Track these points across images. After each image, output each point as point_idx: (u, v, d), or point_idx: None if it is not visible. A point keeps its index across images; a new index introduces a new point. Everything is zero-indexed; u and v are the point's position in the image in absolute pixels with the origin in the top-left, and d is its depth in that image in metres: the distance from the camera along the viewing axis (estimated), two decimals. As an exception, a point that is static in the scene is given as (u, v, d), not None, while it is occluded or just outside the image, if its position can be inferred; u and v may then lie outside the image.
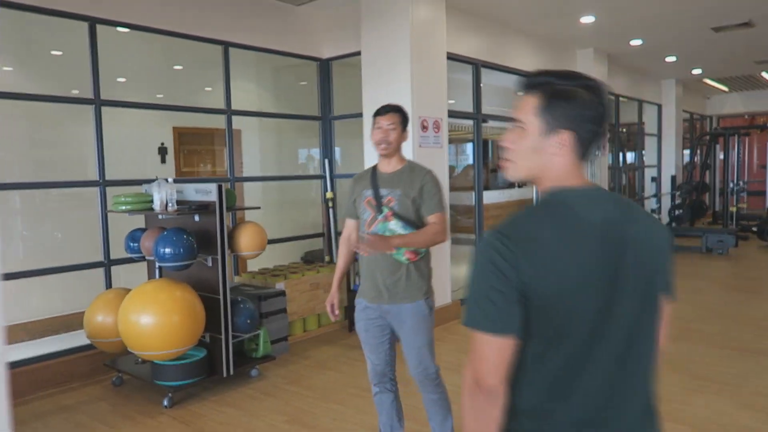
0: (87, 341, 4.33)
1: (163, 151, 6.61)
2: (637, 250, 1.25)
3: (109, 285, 4.66)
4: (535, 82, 1.35)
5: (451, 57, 6.16)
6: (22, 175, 5.14)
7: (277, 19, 5.89)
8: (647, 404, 1.30)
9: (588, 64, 8.64)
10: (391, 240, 2.69)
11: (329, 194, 6.36)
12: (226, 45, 5.45)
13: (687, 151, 12.71)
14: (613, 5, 6.44)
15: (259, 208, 4.69)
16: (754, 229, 10.41)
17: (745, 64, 10.37)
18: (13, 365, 4.12)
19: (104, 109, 4.68)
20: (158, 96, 6.23)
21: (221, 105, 5.49)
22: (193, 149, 7.21)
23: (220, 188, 4.01)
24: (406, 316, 2.80)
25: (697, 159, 12.01)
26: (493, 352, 1.19)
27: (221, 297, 4.07)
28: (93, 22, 4.50)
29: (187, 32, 5.13)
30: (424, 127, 5.52)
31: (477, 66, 6.73)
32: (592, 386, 1.23)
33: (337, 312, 3.06)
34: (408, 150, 5.39)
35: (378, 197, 2.81)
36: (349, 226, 3.02)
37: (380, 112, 2.88)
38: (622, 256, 1.23)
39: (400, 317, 2.81)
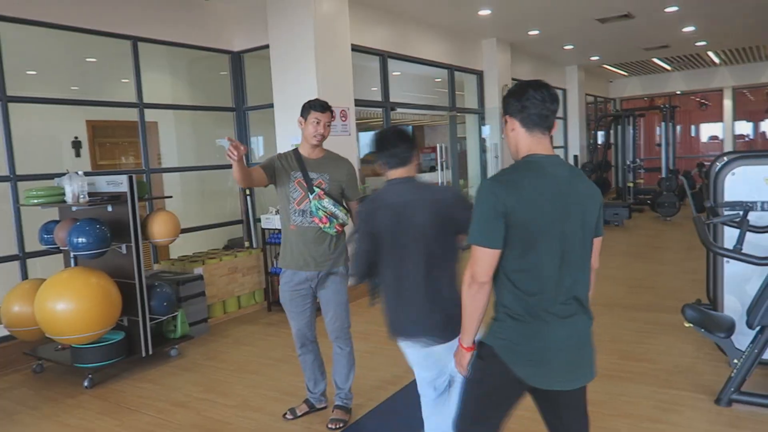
0: (5, 332, 4.46)
1: (77, 144, 6.65)
2: (581, 197, 1.90)
3: (25, 277, 4.78)
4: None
5: (357, 48, 6.54)
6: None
7: (188, 12, 6.07)
8: (582, 293, 1.93)
9: (492, 53, 9.24)
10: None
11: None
12: (135, 40, 5.60)
13: (602, 133, 13.67)
14: (505, -1, 6.99)
15: (170, 197, 4.93)
16: (649, 202, 11.42)
17: (636, 51, 11.31)
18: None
19: (15, 105, 4.76)
20: (73, 89, 6.29)
21: (136, 98, 5.64)
22: (109, 142, 7.27)
23: (131, 179, 4.24)
24: (330, 280, 3.29)
25: (600, 140, 12.95)
26: (485, 259, 1.84)
27: (137, 282, 4.31)
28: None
29: (95, 28, 5.25)
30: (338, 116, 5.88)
31: (384, 57, 7.14)
32: (549, 281, 1.85)
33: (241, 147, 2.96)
34: (316, 138, 5.74)
35: (308, 179, 3.22)
36: (256, 168, 3.25)
37: (321, 108, 3.27)
38: (571, 200, 1.87)
39: (325, 282, 3.29)
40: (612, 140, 12.99)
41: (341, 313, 3.36)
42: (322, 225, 3.23)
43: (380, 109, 7.39)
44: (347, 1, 6.06)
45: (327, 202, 3.22)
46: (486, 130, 9.50)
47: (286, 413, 3.50)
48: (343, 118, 6.03)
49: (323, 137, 3.30)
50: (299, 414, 3.50)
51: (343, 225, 3.32)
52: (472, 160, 9.62)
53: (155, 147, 7.43)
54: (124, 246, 4.30)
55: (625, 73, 14.87)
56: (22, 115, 4.98)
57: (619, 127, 13.23)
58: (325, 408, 3.56)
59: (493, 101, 9.33)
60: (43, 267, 5.00)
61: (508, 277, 1.87)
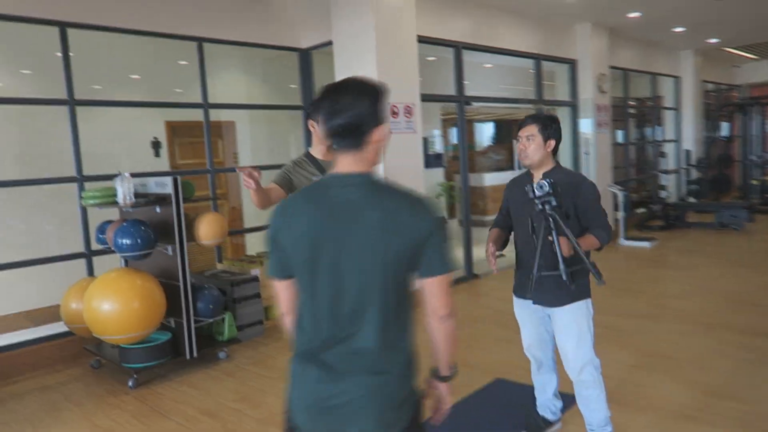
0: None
1: (156, 145, 6.90)
2: (369, 228, 1.51)
3: (91, 274, 4.96)
4: None
5: (428, 40, 6.19)
6: (12, 173, 5.50)
7: (254, 11, 6.02)
8: (370, 347, 1.54)
9: (586, 40, 8.47)
10: None
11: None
12: (200, 41, 5.63)
13: (726, 124, 12.21)
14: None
15: (213, 198, 4.86)
16: (776, 202, 10.01)
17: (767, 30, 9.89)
18: (4, 349, 4.50)
19: (95, 108, 4.97)
20: (153, 93, 6.53)
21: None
22: (188, 142, 7.48)
23: (175, 181, 4.22)
24: None
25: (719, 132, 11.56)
26: (276, 290, 1.69)
27: (181, 284, 4.29)
28: (63, 27, 4.74)
29: (160, 30, 5.33)
30: (394, 113, 5.58)
31: (458, 48, 6.72)
32: (319, 323, 1.57)
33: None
34: (377, 136, 5.47)
35: None
36: (273, 187, 3.12)
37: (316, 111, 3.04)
38: (350, 230, 1.52)
39: None
40: (735, 132, 11.56)
41: None
42: None
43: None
44: (413, -8, 5.73)
45: None
46: (583, 124, 8.72)
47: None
48: (408, 114, 5.72)
49: None
50: None
51: None
52: (564, 157, 8.89)
53: (232, 146, 7.56)
54: (169, 247, 4.30)
55: (755, 57, 13.16)
56: (102, 118, 5.19)
57: (745, 118, 11.76)
58: None
59: (588, 92, 8.55)
60: (110, 265, 5.18)
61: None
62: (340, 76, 5.80)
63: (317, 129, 3.11)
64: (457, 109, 6.90)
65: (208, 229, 4.42)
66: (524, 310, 3.02)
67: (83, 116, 4.95)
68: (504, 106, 11.07)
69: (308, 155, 3.19)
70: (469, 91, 7.18)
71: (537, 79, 8.05)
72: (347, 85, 1.60)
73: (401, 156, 5.64)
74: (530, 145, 2.83)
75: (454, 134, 10.85)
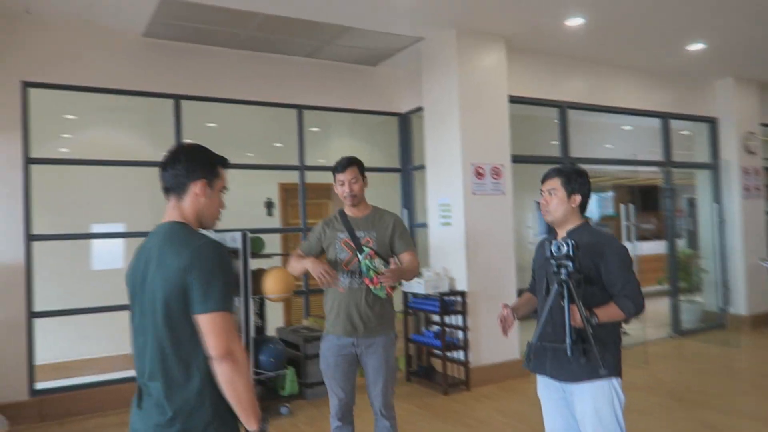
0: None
1: (269, 205, 7.42)
2: (157, 269, 1.69)
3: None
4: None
5: (524, 101, 6.00)
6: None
7: (356, 80, 6.34)
8: (158, 383, 1.68)
9: (728, 96, 7.58)
10: (401, 273, 3.04)
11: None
12: (300, 108, 6.03)
13: None
14: (725, 25, 5.63)
15: (277, 255, 5.00)
16: None
17: None
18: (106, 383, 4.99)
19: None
20: (268, 157, 7.12)
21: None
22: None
23: (244, 236, 4.47)
24: (378, 347, 3.04)
25: None
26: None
27: (244, 335, 4.46)
28: (177, 99, 5.40)
29: (267, 100, 5.83)
30: (479, 174, 5.42)
31: (563, 108, 6.40)
32: (136, 356, 1.77)
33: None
34: (458, 198, 5.36)
35: (355, 238, 3.06)
36: (299, 255, 3.21)
37: (339, 168, 3.15)
38: (149, 271, 1.72)
39: (373, 348, 3.04)
40: None
41: (390, 382, 3.10)
42: (372, 286, 3.02)
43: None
44: (504, 54, 5.64)
45: (378, 262, 3.04)
46: (724, 189, 7.69)
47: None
48: (495, 176, 5.51)
49: (355, 196, 3.12)
50: (331, 500, 3.13)
51: (393, 288, 3.09)
52: (704, 227, 7.86)
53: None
54: (237, 300, 4.52)
55: None
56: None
57: None
58: None
59: (731, 153, 7.56)
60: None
61: None
62: (428, 137, 5.83)
63: (336, 189, 3.14)
64: (562, 171, 6.50)
65: (273, 283, 4.58)
66: (544, 390, 2.66)
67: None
68: (646, 170, 10.20)
69: (341, 212, 3.21)
70: (594, 153, 6.77)
71: (665, 140, 7.33)
72: (177, 148, 1.86)
73: (486, 218, 5.43)
74: (552, 200, 2.57)
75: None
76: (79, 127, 6.28)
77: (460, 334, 5.32)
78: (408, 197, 6.67)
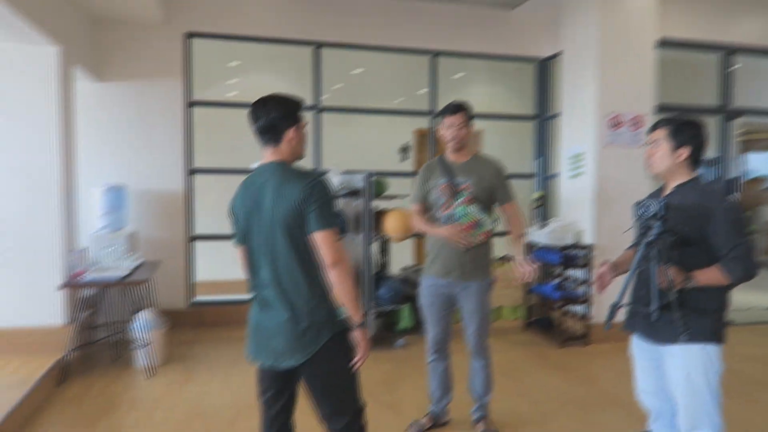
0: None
1: (404, 149, 7.61)
2: (267, 199, 2.08)
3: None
4: None
5: (687, 44, 5.45)
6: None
7: (493, 24, 6.19)
8: (284, 287, 2.09)
9: None
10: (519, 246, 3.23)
11: (537, 194, 6.34)
12: (434, 53, 6.06)
13: None
14: None
15: (397, 197, 5.12)
16: None
17: None
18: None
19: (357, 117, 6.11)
20: (410, 104, 7.28)
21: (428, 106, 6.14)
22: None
23: (367, 177, 4.72)
24: (474, 290, 3.17)
25: None
26: (239, 254, 2.24)
27: (365, 270, 4.77)
28: (317, 45, 5.72)
29: (400, 45, 5.95)
30: (616, 124, 5.10)
31: (727, 51, 5.70)
32: (252, 270, 2.18)
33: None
34: (591, 148, 5.14)
35: (454, 184, 3.16)
36: (415, 209, 3.33)
37: (449, 111, 3.20)
38: (259, 202, 2.10)
39: (468, 291, 3.17)
40: None
41: (485, 324, 3.22)
42: (467, 231, 3.10)
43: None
44: (655, -8, 5.13)
45: (473, 208, 3.11)
46: None
47: (409, 428, 3.38)
48: (634, 127, 5.15)
49: (461, 140, 3.16)
50: (425, 428, 3.35)
51: (489, 233, 3.15)
52: None
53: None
54: (358, 237, 4.83)
55: None
56: (363, 126, 6.08)
57: None
58: (447, 423, 3.42)
59: None
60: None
61: None
62: (565, 84, 5.57)
63: (443, 131, 3.20)
64: (720, 123, 5.86)
65: (393, 223, 4.81)
66: (637, 349, 2.59)
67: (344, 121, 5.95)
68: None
69: (440, 158, 3.27)
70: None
71: None
72: (265, 100, 2.15)
73: (621, 171, 5.14)
74: (656, 153, 2.42)
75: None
76: (243, 72, 6.89)
77: (582, 289, 5.19)
78: (542, 146, 6.47)
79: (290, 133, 2.13)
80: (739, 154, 8.90)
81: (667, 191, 2.45)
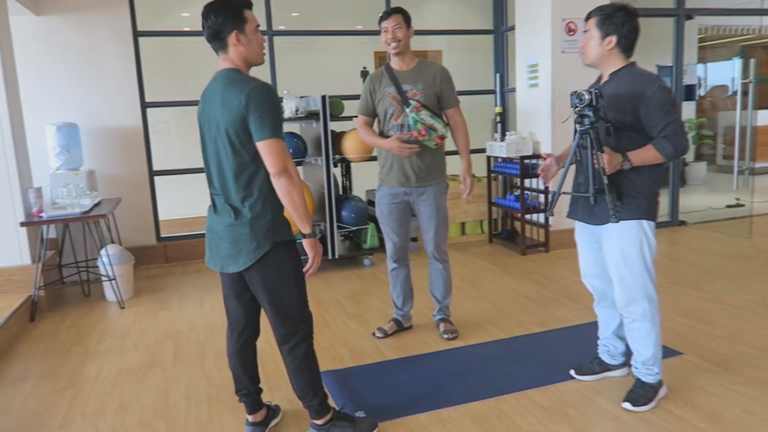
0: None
1: (364, 74, 7.50)
2: (218, 106, 2.05)
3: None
4: None
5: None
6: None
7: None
8: (230, 194, 2.13)
9: None
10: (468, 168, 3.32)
11: (498, 109, 6.35)
12: (386, -31, 5.89)
13: None
14: None
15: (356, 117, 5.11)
16: None
17: None
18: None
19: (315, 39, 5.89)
20: (359, 26, 7.11)
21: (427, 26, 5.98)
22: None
23: (323, 99, 4.68)
24: (430, 194, 3.25)
25: None
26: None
27: (326, 192, 4.82)
28: (264, -34, 5.50)
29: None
30: (571, 30, 5.09)
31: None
32: (208, 176, 2.21)
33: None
34: (546, 57, 5.13)
35: (402, 92, 3.16)
36: (361, 121, 3.38)
37: (383, 17, 3.18)
38: (212, 109, 2.09)
39: (425, 196, 3.25)
40: None
41: (442, 228, 3.32)
42: (421, 138, 3.14)
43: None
44: None
45: (425, 114, 3.12)
46: None
47: (375, 332, 3.53)
48: (572, 33, 5.13)
49: (399, 41, 3.13)
50: (389, 333, 3.50)
51: (442, 137, 3.20)
52: None
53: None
54: (319, 159, 4.84)
55: None
56: (321, 50, 5.86)
57: None
58: (410, 328, 3.58)
59: None
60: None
61: None
62: (518, -6, 5.49)
63: (382, 38, 3.17)
64: (674, 25, 5.86)
65: (351, 145, 4.82)
66: (579, 233, 2.73)
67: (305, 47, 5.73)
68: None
69: (387, 67, 3.26)
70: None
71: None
72: (206, 6, 2.07)
73: (577, 79, 5.05)
74: (588, 42, 2.47)
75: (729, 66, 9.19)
76: (195, 4, 6.63)
77: (542, 197, 5.32)
78: (500, 60, 6.44)
79: (233, 37, 2.05)
80: (697, 62, 8.96)
81: (604, 80, 2.51)
